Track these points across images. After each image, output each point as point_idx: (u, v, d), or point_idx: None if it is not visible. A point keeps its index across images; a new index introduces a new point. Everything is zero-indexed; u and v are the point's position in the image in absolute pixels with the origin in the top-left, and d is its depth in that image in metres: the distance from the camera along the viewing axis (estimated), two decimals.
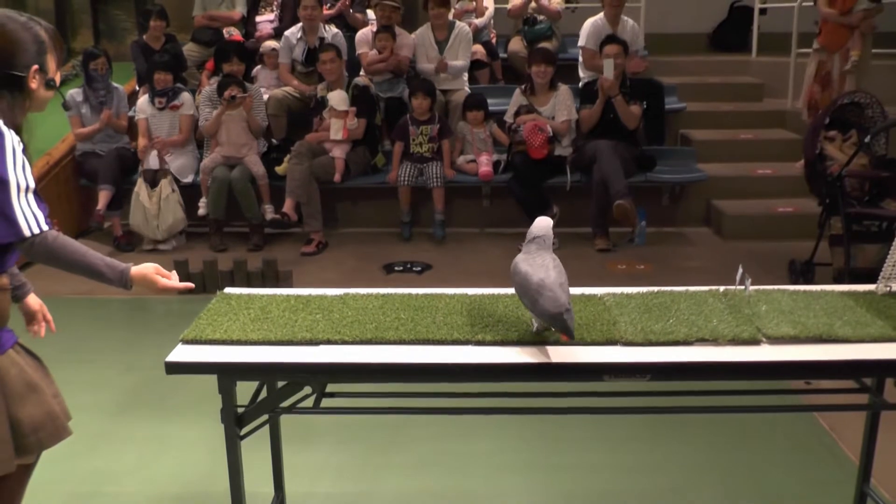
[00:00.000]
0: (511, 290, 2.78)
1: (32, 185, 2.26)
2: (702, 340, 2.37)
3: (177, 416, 4.13)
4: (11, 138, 2.25)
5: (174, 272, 2.48)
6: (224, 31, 8.19)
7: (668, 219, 7.18)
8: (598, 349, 2.36)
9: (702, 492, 3.42)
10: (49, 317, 2.72)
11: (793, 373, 2.56)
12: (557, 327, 2.31)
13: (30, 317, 2.69)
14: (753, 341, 2.37)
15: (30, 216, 2.24)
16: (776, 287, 2.81)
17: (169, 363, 2.43)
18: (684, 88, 8.24)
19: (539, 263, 2.37)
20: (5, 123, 2.28)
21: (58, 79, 2.42)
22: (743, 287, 2.67)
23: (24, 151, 2.31)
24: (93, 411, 4.15)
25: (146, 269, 2.40)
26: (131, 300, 5.75)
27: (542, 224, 2.48)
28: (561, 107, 6.78)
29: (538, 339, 2.40)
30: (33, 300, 2.69)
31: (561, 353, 2.33)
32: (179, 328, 5.39)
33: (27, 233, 2.22)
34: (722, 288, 2.77)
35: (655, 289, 2.78)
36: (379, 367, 2.35)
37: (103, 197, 6.85)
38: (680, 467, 3.58)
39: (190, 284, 2.52)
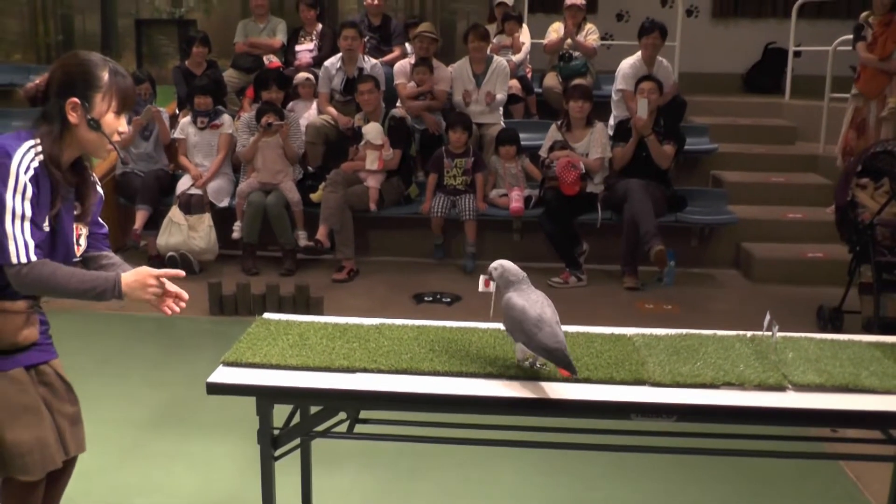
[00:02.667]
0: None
1: (29, 214, 2.30)
2: (728, 384, 2.41)
3: (204, 434, 4.20)
4: (18, 164, 2.29)
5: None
6: (264, 58, 8.37)
7: (696, 260, 7.19)
8: (626, 388, 2.41)
9: None
10: (176, 291, 2.50)
11: (817, 420, 2.60)
12: (557, 362, 2.39)
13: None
14: (779, 387, 2.42)
15: (20, 243, 2.28)
16: (803, 335, 2.85)
17: (210, 384, 2.50)
18: (717, 129, 8.27)
19: (534, 300, 2.47)
20: (44, 151, 2.34)
21: (110, 125, 2.43)
22: (770, 333, 2.70)
23: (52, 184, 2.34)
24: (122, 426, 4.24)
25: (138, 269, 2.43)
26: (162, 318, 5.83)
27: (513, 266, 2.59)
28: (595, 144, 6.82)
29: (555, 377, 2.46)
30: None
31: (589, 391, 2.39)
32: (208, 347, 5.48)
33: (14, 259, 2.28)
34: (749, 333, 2.81)
35: (684, 331, 2.84)
36: (414, 397, 2.43)
37: (140, 217, 7.02)
38: None
39: (180, 272, 2.48)
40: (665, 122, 6.86)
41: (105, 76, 2.40)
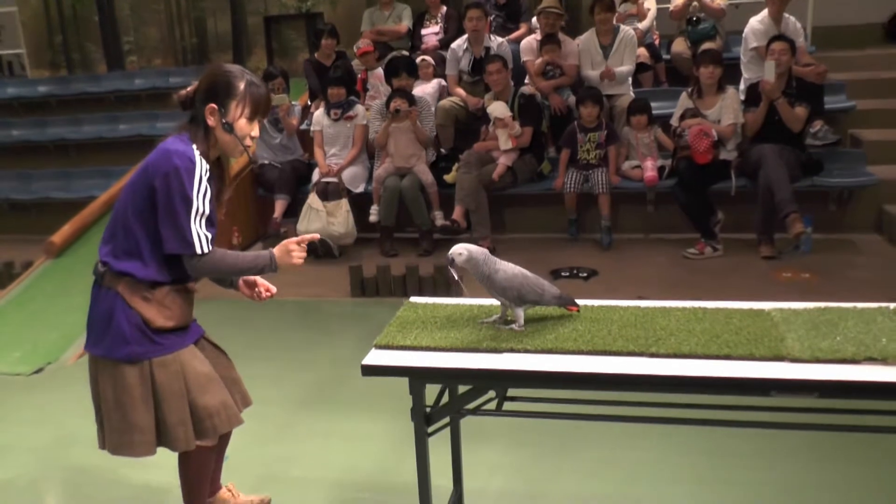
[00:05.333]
0: (684, 303, 2.92)
1: (208, 211, 2.65)
2: (870, 359, 2.39)
3: (352, 412, 4.42)
4: (201, 168, 2.62)
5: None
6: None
7: (835, 225, 6.95)
8: (765, 364, 2.43)
9: None
10: (266, 283, 3.08)
11: None
12: (567, 303, 2.87)
13: (251, 283, 3.07)
14: None
15: (202, 237, 2.63)
16: None
17: (365, 366, 2.68)
18: (854, 85, 7.91)
19: (514, 265, 2.85)
20: (201, 153, 2.65)
21: (242, 129, 2.72)
22: None
23: (213, 181, 2.68)
24: (276, 404, 4.52)
25: (280, 243, 2.81)
26: (306, 302, 6.13)
27: (472, 245, 2.88)
28: (727, 110, 6.70)
29: (704, 353, 2.51)
30: None
31: (730, 368, 2.43)
32: (352, 328, 5.69)
33: (199, 250, 2.63)
34: (892, 305, 2.77)
35: (823, 305, 2.82)
36: (558, 376, 2.53)
37: (279, 206, 7.37)
38: (846, 488, 3.49)
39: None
40: (798, 82, 6.68)
41: (241, 86, 2.70)
